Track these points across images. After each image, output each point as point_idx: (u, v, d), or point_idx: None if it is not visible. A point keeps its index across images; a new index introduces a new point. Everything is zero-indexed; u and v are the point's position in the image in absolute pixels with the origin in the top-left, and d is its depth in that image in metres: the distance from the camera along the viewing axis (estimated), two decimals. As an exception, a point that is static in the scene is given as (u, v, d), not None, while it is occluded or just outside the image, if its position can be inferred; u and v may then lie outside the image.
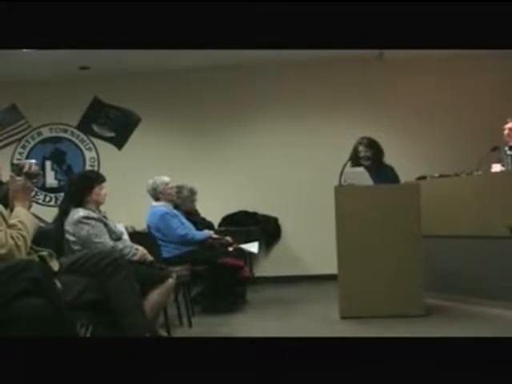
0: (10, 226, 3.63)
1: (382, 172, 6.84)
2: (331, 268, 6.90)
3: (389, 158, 7.11)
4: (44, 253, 3.81)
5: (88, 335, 4.61)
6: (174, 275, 5.28)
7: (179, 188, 7.77)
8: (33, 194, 4.01)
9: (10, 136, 10.58)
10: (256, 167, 10.03)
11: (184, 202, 7.84)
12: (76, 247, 4.95)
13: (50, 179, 10.46)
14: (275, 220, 10.07)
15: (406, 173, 7.17)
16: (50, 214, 5.84)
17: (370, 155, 6.95)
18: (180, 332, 6.07)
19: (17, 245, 3.55)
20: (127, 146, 10.38)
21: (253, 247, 7.98)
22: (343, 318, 6.33)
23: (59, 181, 10.48)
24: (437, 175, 7.52)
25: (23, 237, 3.59)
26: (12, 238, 3.55)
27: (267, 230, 9.96)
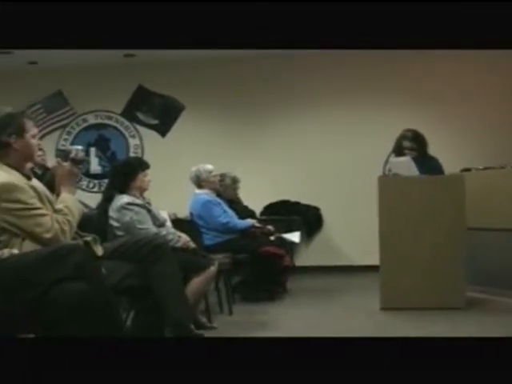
0: (56, 211, 3.67)
1: (426, 163, 6.75)
2: (373, 259, 6.86)
3: (433, 149, 7.02)
4: (88, 238, 3.84)
5: (129, 320, 4.67)
6: (216, 263, 5.31)
7: (222, 176, 7.79)
8: (77, 179, 4.05)
9: (56, 122, 10.69)
10: (299, 156, 10.00)
11: (226, 190, 7.86)
12: (119, 233, 5.00)
13: (94, 166, 10.56)
14: (317, 210, 10.04)
15: (450, 165, 7.08)
16: (93, 200, 5.90)
17: (414, 146, 6.87)
18: (220, 319, 6.09)
19: (62, 229, 3.60)
20: (171, 134, 10.43)
21: (294, 237, 7.98)
22: (383, 309, 6.30)
23: (103, 167, 10.58)
24: (482, 167, 7.44)
25: (69, 222, 3.64)
26: (58, 222, 3.59)
27: (308, 219, 9.94)
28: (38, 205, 3.61)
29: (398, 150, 6.95)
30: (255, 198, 9.25)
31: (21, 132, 3.73)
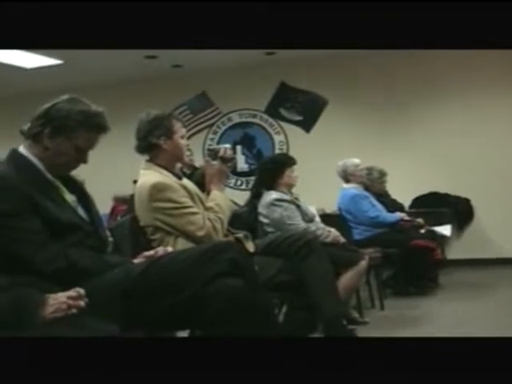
0: (207, 209, 3.74)
1: None
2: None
3: None
4: (240, 235, 3.89)
5: (281, 315, 4.68)
6: (367, 257, 5.24)
7: (369, 170, 7.69)
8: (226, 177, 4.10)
9: (202, 122, 10.91)
10: (447, 147, 9.73)
11: (374, 183, 7.75)
12: (269, 229, 5.02)
13: (241, 163, 10.69)
14: (467, 201, 9.74)
15: None
16: (241, 197, 5.95)
17: None
18: (372, 314, 6.03)
19: (214, 227, 3.66)
20: (315, 129, 10.41)
21: (445, 230, 7.79)
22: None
23: (250, 165, 10.70)
24: None
25: (220, 219, 3.69)
26: (210, 220, 3.66)
27: (459, 211, 9.65)
28: (190, 203, 3.68)
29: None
30: (403, 191, 9.08)
31: (170, 133, 3.81)
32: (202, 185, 4.04)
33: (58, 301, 2.29)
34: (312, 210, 5.54)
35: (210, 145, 10.52)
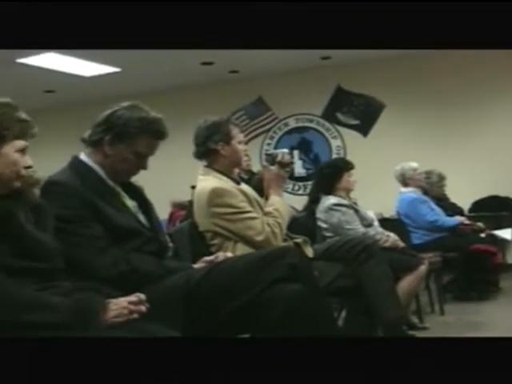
0: (266, 214, 3.74)
1: None
2: None
3: None
4: (299, 240, 3.89)
5: (340, 319, 4.67)
6: (426, 262, 5.18)
7: (428, 173, 7.60)
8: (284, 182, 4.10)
9: (258, 128, 10.92)
10: (507, 150, 9.57)
11: (433, 187, 7.65)
12: (328, 234, 5.01)
13: (298, 168, 10.69)
14: (529, 204, 9.59)
15: None
16: (298, 202, 5.95)
17: None
18: (431, 319, 5.96)
19: (273, 232, 3.65)
20: (372, 133, 10.34)
21: (506, 233, 7.67)
22: None
23: (307, 170, 10.70)
24: None
25: (279, 224, 3.69)
26: (268, 225, 3.65)
27: (520, 214, 9.50)
28: (249, 208, 3.69)
29: None
30: (463, 194, 8.96)
31: (228, 139, 3.83)
32: (260, 190, 4.05)
33: (120, 306, 2.31)
34: (370, 214, 5.51)
35: (266, 150, 10.57)
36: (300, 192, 10.54)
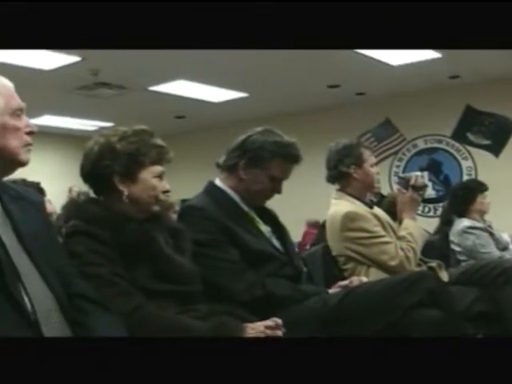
0: (399, 238, 3.68)
1: None
2: None
3: None
4: (433, 264, 3.81)
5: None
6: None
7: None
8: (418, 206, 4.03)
9: (387, 150, 10.85)
10: None
11: None
12: (462, 258, 4.89)
13: (428, 190, 10.44)
14: None
15: None
16: (428, 224, 5.85)
17: None
18: None
19: (407, 256, 3.59)
20: (504, 153, 10.06)
21: None
22: None
23: (437, 191, 10.51)
24: None
25: (413, 249, 3.62)
26: (402, 249, 3.60)
27: None
28: (382, 233, 3.64)
29: None
30: None
31: (360, 162, 3.80)
32: (391, 213, 4.00)
33: (257, 330, 2.33)
34: (505, 237, 5.36)
35: (396, 172, 10.46)
36: (430, 214, 10.34)
